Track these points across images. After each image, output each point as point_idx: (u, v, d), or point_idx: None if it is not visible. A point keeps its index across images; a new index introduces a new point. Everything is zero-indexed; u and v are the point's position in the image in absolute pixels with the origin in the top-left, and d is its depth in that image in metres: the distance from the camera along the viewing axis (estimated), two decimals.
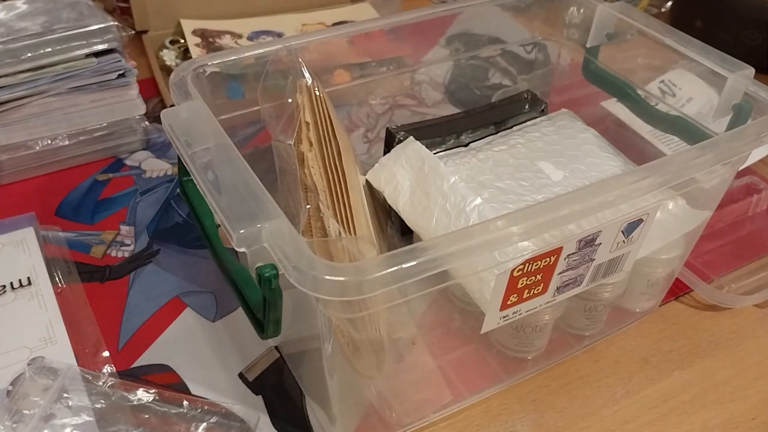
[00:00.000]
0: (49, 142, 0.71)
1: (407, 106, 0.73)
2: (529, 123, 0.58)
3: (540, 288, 0.43)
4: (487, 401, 0.52)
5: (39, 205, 0.68)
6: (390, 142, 0.55)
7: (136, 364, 0.54)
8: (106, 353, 0.54)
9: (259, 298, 0.38)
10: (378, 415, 0.49)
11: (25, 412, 0.48)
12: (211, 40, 0.88)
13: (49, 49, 0.68)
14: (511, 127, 0.58)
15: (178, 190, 0.69)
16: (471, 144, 0.56)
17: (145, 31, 0.90)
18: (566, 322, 0.55)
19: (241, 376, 0.53)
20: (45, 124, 0.70)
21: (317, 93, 0.49)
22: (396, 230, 0.54)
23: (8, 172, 0.70)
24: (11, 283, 0.59)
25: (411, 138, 0.53)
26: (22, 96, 0.67)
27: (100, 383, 0.50)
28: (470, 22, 0.64)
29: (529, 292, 0.43)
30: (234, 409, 0.50)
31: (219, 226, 0.43)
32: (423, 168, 0.50)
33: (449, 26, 0.65)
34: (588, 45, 0.62)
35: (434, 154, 0.52)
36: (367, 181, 0.53)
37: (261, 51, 0.52)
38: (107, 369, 0.53)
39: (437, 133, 0.56)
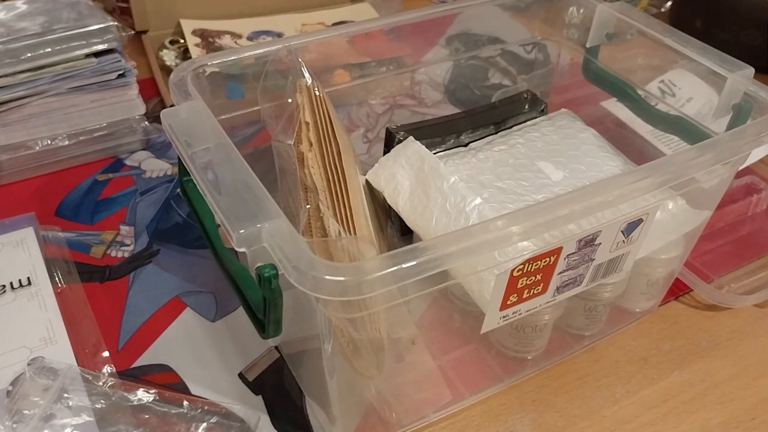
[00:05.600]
0: (49, 142, 0.71)
1: (407, 106, 0.73)
2: (528, 123, 0.58)
3: (540, 288, 0.43)
4: (487, 401, 0.52)
5: (39, 205, 0.68)
6: (390, 142, 0.55)
7: (136, 364, 0.54)
8: (106, 353, 0.54)
9: (259, 298, 0.38)
10: (378, 415, 0.49)
11: (25, 412, 0.48)
12: (210, 40, 0.88)
13: (49, 49, 0.68)
14: (511, 127, 0.58)
15: (178, 190, 0.70)
16: (471, 144, 0.56)
17: (145, 31, 0.90)
18: (566, 322, 0.55)
19: (241, 376, 0.53)
20: (45, 124, 0.70)
21: (317, 93, 0.49)
22: (396, 230, 0.54)
23: (8, 172, 0.70)
24: (11, 283, 0.59)
25: (411, 138, 0.53)
26: (22, 96, 0.67)
27: (100, 383, 0.50)
28: (470, 22, 0.64)
29: (528, 292, 0.43)
30: (234, 409, 0.50)
31: (219, 226, 0.43)
32: (423, 168, 0.50)
33: (449, 26, 0.65)
34: (588, 45, 0.62)
35: (434, 154, 0.52)
36: (367, 181, 0.53)
37: (261, 51, 0.52)
38: (107, 369, 0.53)
39: (437, 133, 0.56)
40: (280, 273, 0.35)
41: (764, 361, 0.57)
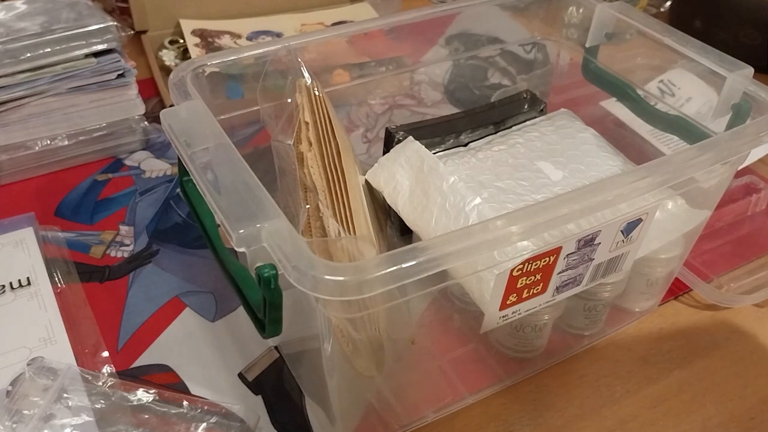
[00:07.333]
0: (49, 142, 0.71)
1: (406, 106, 0.73)
2: (528, 123, 0.58)
3: (539, 288, 0.43)
4: (487, 401, 0.52)
5: (38, 206, 0.68)
6: (389, 142, 0.55)
7: (135, 364, 0.54)
8: (105, 353, 0.54)
9: (259, 297, 0.38)
10: (378, 415, 0.49)
11: (25, 412, 0.48)
12: (210, 40, 0.88)
13: (49, 50, 0.68)
14: (511, 127, 0.58)
15: (178, 190, 0.70)
16: (470, 144, 0.56)
17: (145, 31, 0.90)
18: (566, 321, 0.55)
19: (240, 376, 0.53)
20: (44, 125, 0.70)
21: (316, 93, 0.49)
22: (396, 230, 0.54)
23: (8, 172, 0.70)
24: (11, 283, 0.59)
25: (410, 138, 0.53)
26: (22, 96, 0.67)
27: (100, 383, 0.50)
28: (469, 22, 0.64)
29: (528, 292, 0.43)
30: (234, 409, 0.50)
31: (219, 225, 0.43)
32: (422, 168, 0.50)
33: (448, 26, 0.65)
34: (587, 45, 0.62)
35: (433, 154, 0.52)
36: (366, 181, 0.53)
37: (260, 51, 0.52)
38: (107, 369, 0.53)
39: (436, 133, 0.56)
40: (279, 273, 0.35)
41: (764, 361, 0.57)
